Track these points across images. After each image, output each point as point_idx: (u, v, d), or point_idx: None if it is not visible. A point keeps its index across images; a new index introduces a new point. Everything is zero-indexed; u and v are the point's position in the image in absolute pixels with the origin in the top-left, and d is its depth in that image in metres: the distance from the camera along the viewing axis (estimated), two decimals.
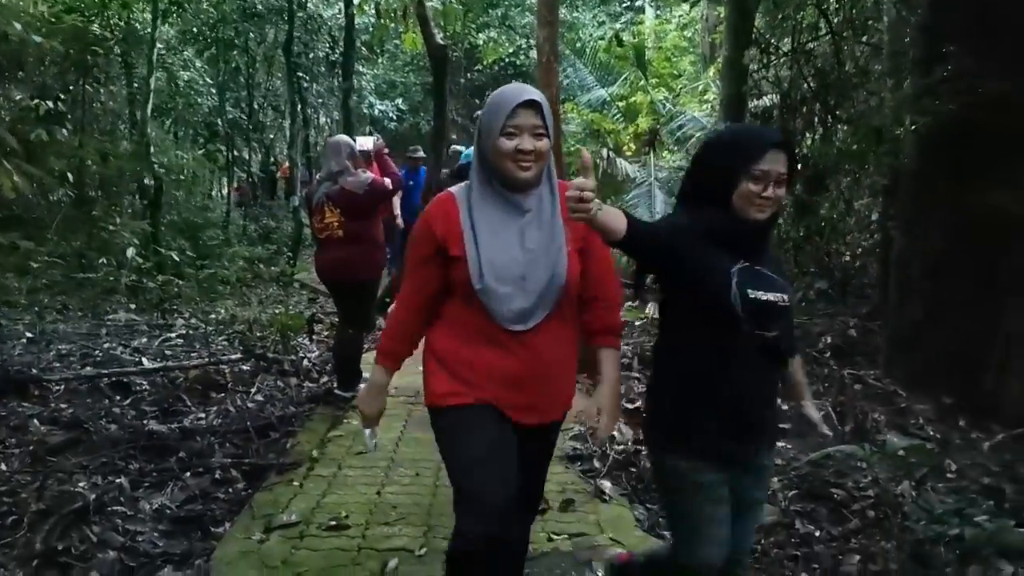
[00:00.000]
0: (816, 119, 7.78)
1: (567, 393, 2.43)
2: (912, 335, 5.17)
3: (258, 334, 7.22)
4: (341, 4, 10.95)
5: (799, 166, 7.66)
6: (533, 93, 2.12)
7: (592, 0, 17.93)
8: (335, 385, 5.64)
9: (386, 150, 7.93)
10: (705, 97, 10.39)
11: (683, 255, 2.13)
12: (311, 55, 15.17)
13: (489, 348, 2.21)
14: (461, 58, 16.64)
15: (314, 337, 7.53)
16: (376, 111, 19.21)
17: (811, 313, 7.57)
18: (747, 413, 2.25)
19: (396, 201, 9.47)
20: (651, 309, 8.38)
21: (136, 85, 12.73)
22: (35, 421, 4.61)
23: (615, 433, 4.65)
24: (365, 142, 5.93)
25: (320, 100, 17.54)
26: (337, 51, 13.19)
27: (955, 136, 4.64)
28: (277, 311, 7.98)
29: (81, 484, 3.86)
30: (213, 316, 8.47)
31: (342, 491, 3.94)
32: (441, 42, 7.48)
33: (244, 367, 6.30)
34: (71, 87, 11.79)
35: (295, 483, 4.03)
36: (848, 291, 7.83)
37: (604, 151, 10.44)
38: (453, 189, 2.28)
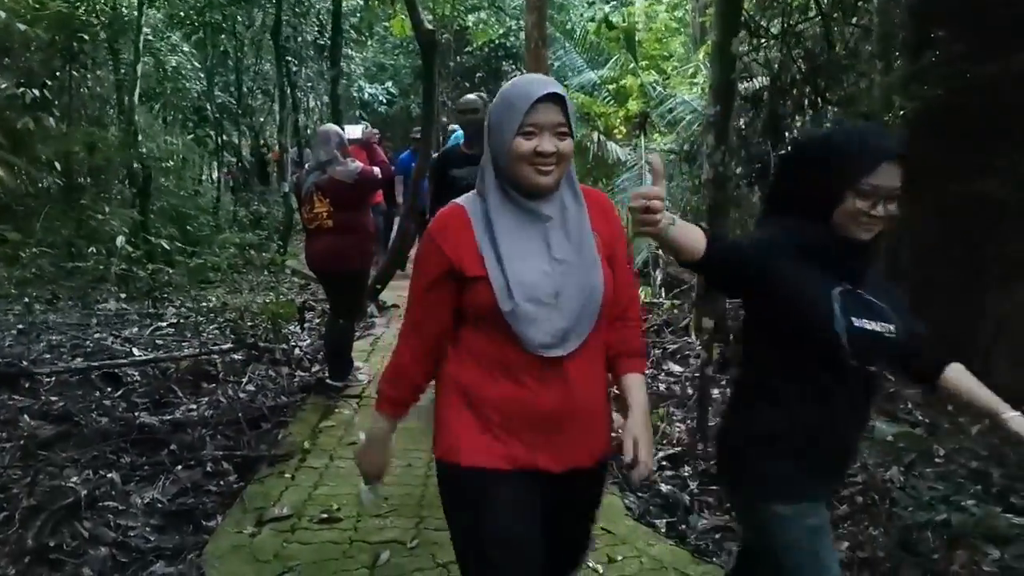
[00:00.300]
0: (806, 102, 7.75)
1: (605, 431, 2.07)
2: None
3: (249, 323, 7.19)
4: None
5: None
6: (554, 85, 1.82)
7: None
8: (327, 375, 5.64)
9: (376, 136, 7.91)
10: (695, 80, 10.35)
11: (777, 277, 1.86)
12: (299, 39, 15.06)
13: (517, 382, 1.86)
14: (450, 40, 16.52)
15: (305, 325, 7.52)
16: (366, 95, 19.11)
17: None
18: (847, 452, 2.04)
19: (399, 188, 9.46)
20: (643, 294, 8.39)
21: (123, 71, 12.62)
22: (26, 416, 4.59)
23: None
24: (354, 130, 5.92)
25: (309, 84, 17.43)
26: (326, 36, 13.08)
27: (943, 121, 4.63)
28: (268, 299, 7.96)
29: (73, 479, 3.86)
30: (204, 304, 8.44)
31: (334, 483, 3.96)
32: (430, 27, 7.42)
33: (236, 356, 6.30)
34: (57, 73, 11.68)
35: (287, 475, 4.04)
36: None
37: (594, 135, 10.41)
38: (460, 200, 1.94)
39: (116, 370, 5.72)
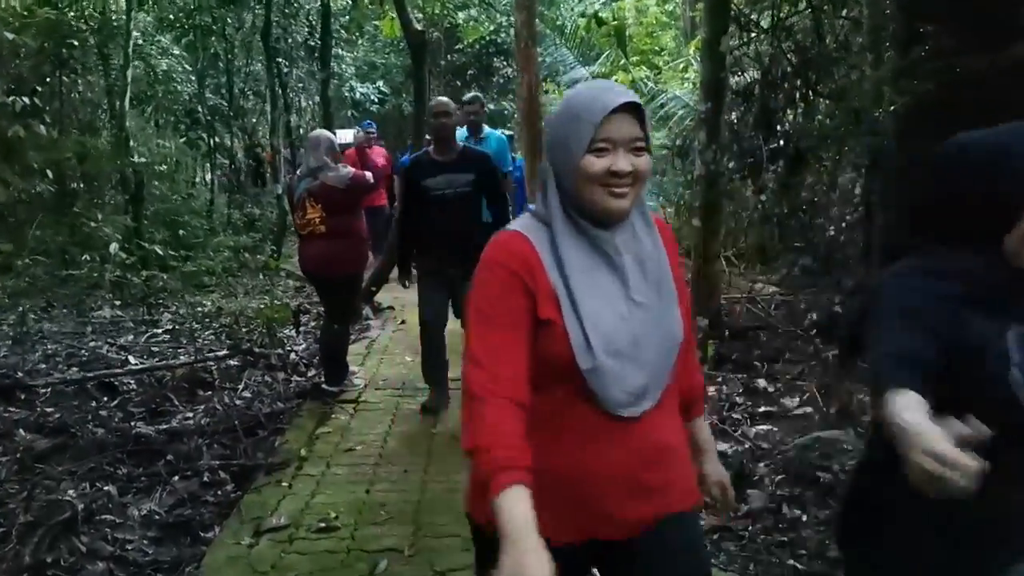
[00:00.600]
0: (797, 95, 7.75)
1: (687, 478, 1.73)
2: None
3: (244, 329, 7.18)
4: None
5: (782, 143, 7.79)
6: (630, 94, 1.56)
7: None
8: (323, 380, 5.64)
9: (374, 135, 7.89)
10: (686, 75, 10.33)
11: (938, 334, 1.42)
12: (290, 40, 15.00)
13: (583, 445, 1.57)
14: (441, 39, 16.48)
15: (301, 328, 7.52)
16: (358, 94, 19.05)
17: (795, 289, 7.61)
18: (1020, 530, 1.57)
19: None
20: None
21: (114, 75, 12.57)
22: (20, 430, 4.58)
23: None
24: (346, 135, 5.91)
25: (300, 84, 17.36)
26: (316, 36, 13.05)
27: (933, 116, 4.62)
28: (263, 303, 7.94)
29: (69, 492, 3.86)
30: (199, 310, 8.43)
31: (330, 491, 3.96)
32: (419, 27, 7.40)
33: (231, 362, 6.29)
34: (48, 79, 11.62)
35: (283, 484, 4.04)
36: (832, 264, 7.86)
37: None
38: (518, 226, 1.64)
39: (112, 379, 5.72)
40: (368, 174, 5.40)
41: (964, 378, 1.42)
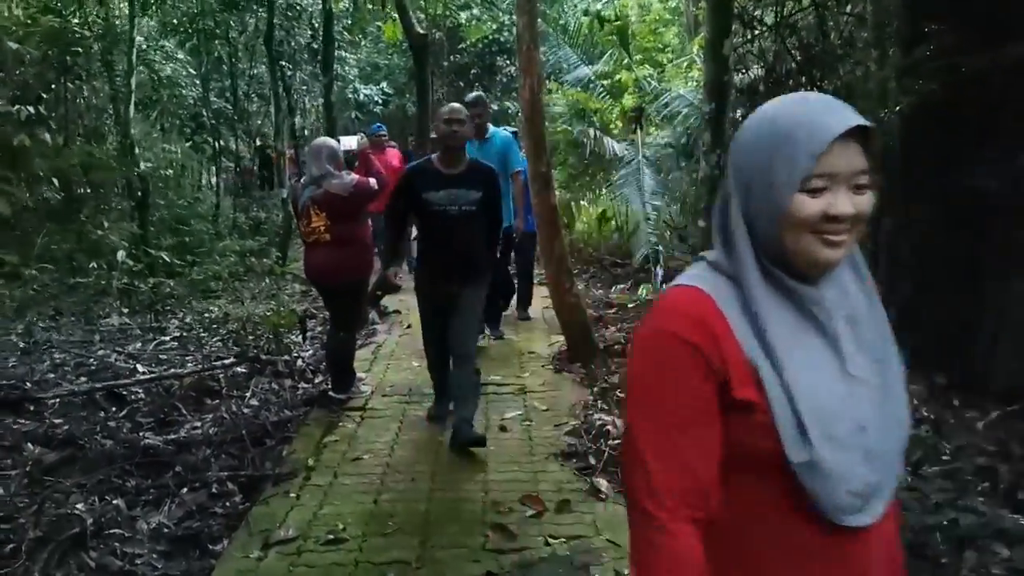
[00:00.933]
0: (803, 91, 7.70)
1: None
2: (902, 315, 5.15)
3: (250, 336, 7.19)
4: None
5: None
6: (856, 116, 1.20)
7: None
8: (329, 387, 5.64)
9: (384, 135, 7.85)
10: (690, 74, 10.30)
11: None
12: (293, 43, 15.01)
13: (790, 570, 1.22)
14: (443, 39, 16.47)
15: (307, 334, 7.52)
16: (361, 96, 19.05)
17: None
18: None
19: None
20: (644, 291, 8.38)
21: (118, 81, 12.60)
22: (29, 444, 4.58)
23: (609, 428, 4.68)
24: (350, 141, 5.90)
25: (304, 87, 17.38)
26: (319, 39, 13.05)
27: (938, 115, 4.61)
28: (270, 308, 7.95)
29: (79, 506, 3.86)
30: (207, 316, 8.44)
31: (338, 501, 3.95)
32: (421, 30, 7.39)
33: (239, 369, 6.30)
34: (52, 86, 11.66)
35: (291, 494, 4.04)
36: None
37: (591, 131, 10.38)
38: (693, 280, 1.25)
39: (120, 389, 5.73)
40: (372, 180, 5.39)
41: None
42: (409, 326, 7.78)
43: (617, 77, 10.73)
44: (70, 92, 12.27)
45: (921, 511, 3.50)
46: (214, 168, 17.95)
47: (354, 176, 5.27)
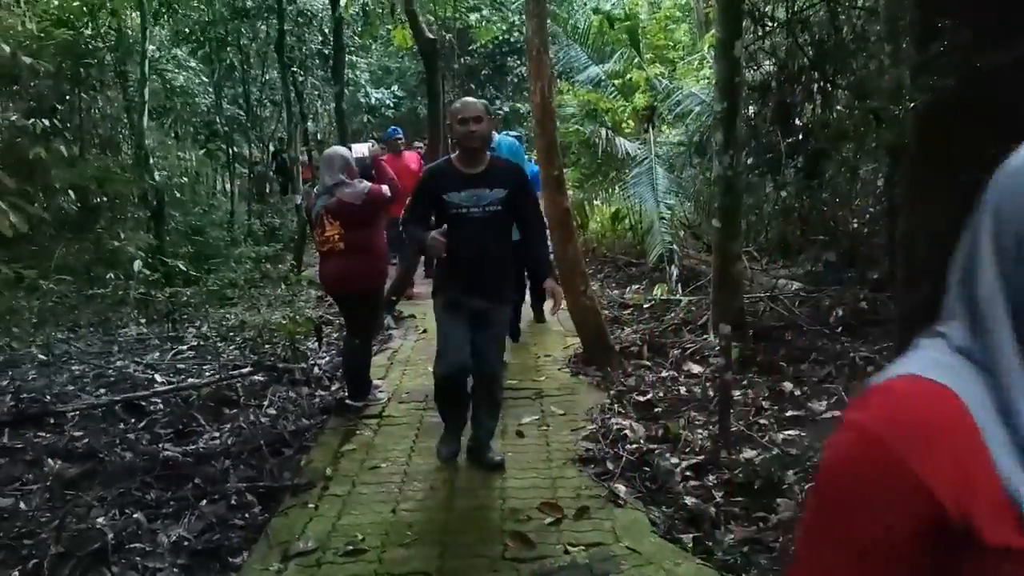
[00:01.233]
0: (815, 88, 7.66)
1: None
2: (921, 313, 5.10)
3: (267, 344, 7.22)
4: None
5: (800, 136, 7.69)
6: None
7: None
8: (346, 394, 5.65)
9: (400, 139, 7.81)
10: (702, 72, 10.25)
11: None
12: (304, 48, 15.08)
13: None
14: (453, 41, 16.47)
15: (323, 340, 7.53)
16: (373, 99, 19.10)
17: (820, 285, 7.53)
18: None
19: None
20: (659, 291, 8.35)
21: (132, 90, 12.69)
22: (50, 460, 4.62)
23: (626, 432, 4.66)
24: (361, 149, 5.91)
25: (316, 92, 17.45)
26: (330, 45, 13.10)
27: (953, 112, 4.55)
28: (286, 314, 7.96)
29: (100, 520, 3.89)
30: (223, 324, 8.49)
31: (357, 511, 3.95)
32: (431, 35, 7.39)
33: (256, 377, 6.33)
34: (67, 97, 11.77)
35: (310, 505, 4.04)
36: (857, 257, 7.78)
37: (603, 131, 10.35)
38: (932, 370, 0.85)
39: (139, 400, 5.77)
40: (385, 188, 5.40)
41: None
42: (425, 331, 7.78)
43: (628, 76, 10.69)
44: (84, 103, 12.38)
45: None
46: (228, 174, 18.09)
47: (367, 184, 5.28)
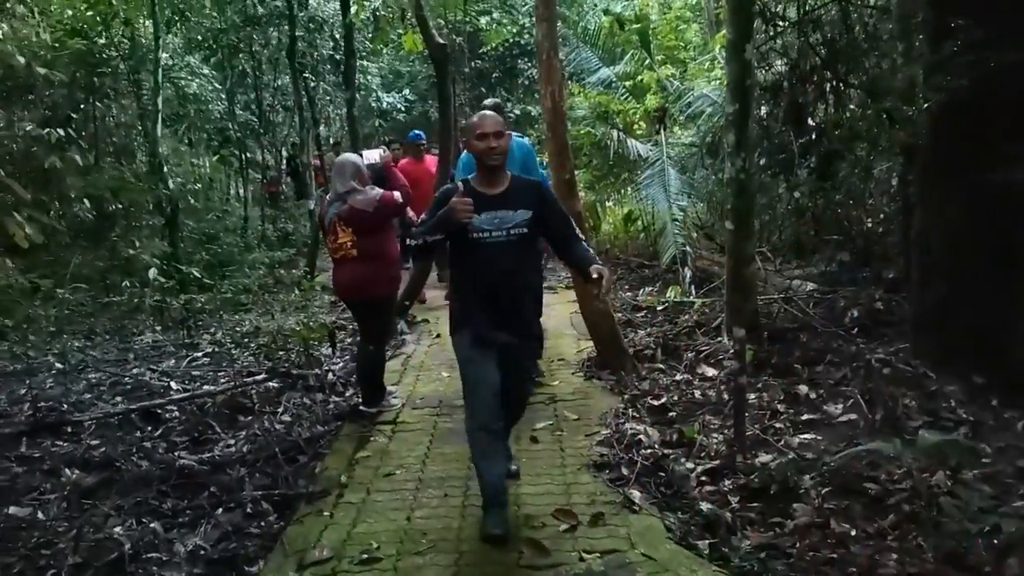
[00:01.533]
0: (828, 87, 7.62)
1: None
2: (937, 314, 5.08)
3: (280, 351, 7.25)
4: (338, 2, 10.88)
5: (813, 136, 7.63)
6: None
7: None
8: (360, 401, 5.66)
9: (423, 143, 7.78)
10: (713, 73, 10.21)
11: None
12: (316, 54, 15.15)
13: None
14: (464, 45, 16.49)
15: (337, 346, 7.55)
16: (384, 104, 19.16)
17: (834, 285, 7.48)
18: None
19: None
20: (673, 293, 8.32)
21: (145, 98, 12.79)
22: (67, 471, 4.64)
23: (641, 437, 4.64)
24: (372, 155, 5.93)
25: (328, 97, 17.53)
26: (341, 50, 13.16)
27: (966, 111, 4.53)
28: (300, 322, 7.99)
29: (116, 529, 3.91)
30: (238, 330, 8.52)
31: (372, 519, 3.95)
32: (441, 41, 7.40)
33: (271, 384, 6.35)
34: (81, 106, 11.88)
35: (325, 513, 4.05)
36: (872, 256, 7.73)
37: (614, 132, 10.33)
38: None
39: (154, 408, 5.81)
40: (397, 194, 5.41)
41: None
42: (438, 336, 7.80)
43: (639, 77, 10.67)
44: (98, 112, 12.50)
45: (961, 517, 3.43)
46: (241, 180, 18.21)
47: (378, 191, 5.29)
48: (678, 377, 5.92)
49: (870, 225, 8.16)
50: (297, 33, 12.76)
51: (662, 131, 10.54)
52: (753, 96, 5.57)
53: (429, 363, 6.86)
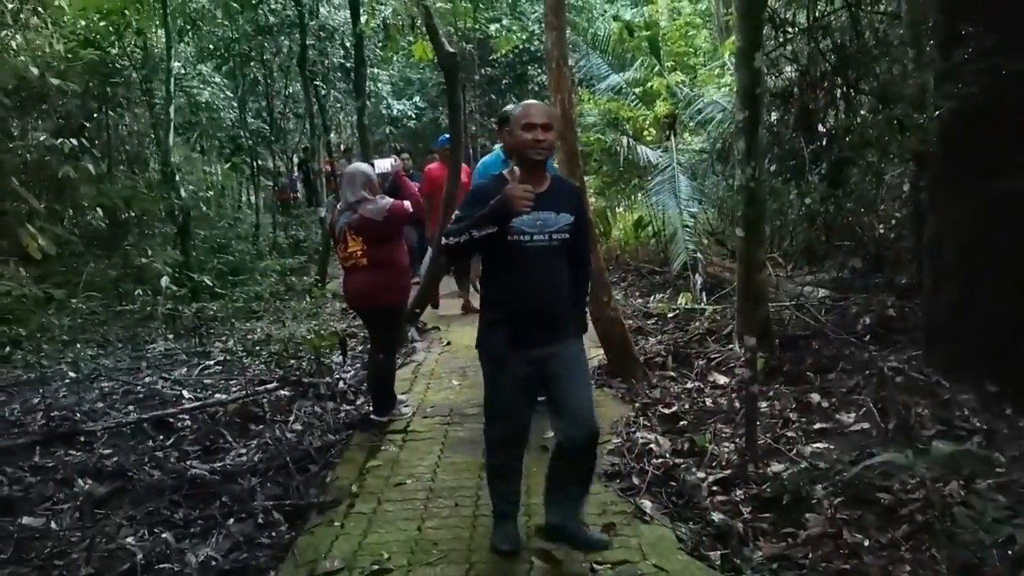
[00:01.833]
0: (838, 93, 7.60)
1: None
2: (949, 322, 5.05)
3: (292, 359, 7.27)
4: (349, 11, 10.93)
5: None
6: None
7: None
8: (371, 409, 5.67)
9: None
10: (723, 79, 10.20)
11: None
12: (326, 62, 15.22)
13: None
14: (474, 52, 16.52)
15: (348, 353, 7.56)
16: (395, 111, 19.21)
17: (847, 291, 7.45)
18: None
19: None
20: (684, 299, 8.30)
21: (158, 107, 12.89)
22: (79, 481, 4.67)
23: (652, 446, 4.63)
24: (383, 164, 5.95)
25: (339, 104, 17.60)
26: (351, 59, 13.23)
27: (978, 118, 4.51)
28: (311, 330, 8.02)
29: (129, 539, 3.93)
30: (249, 338, 8.56)
31: (383, 529, 3.96)
32: (451, 50, 7.42)
33: (282, 392, 6.37)
34: (94, 115, 11.97)
35: (336, 523, 4.05)
36: (884, 262, 7.69)
37: (624, 139, 10.32)
38: None
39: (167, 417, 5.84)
40: (407, 203, 5.42)
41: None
42: (448, 343, 7.81)
43: (649, 84, 10.67)
44: (111, 121, 12.59)
45: (975, 528, 3.40)
46: (253, 187, 18.30)
47: (389, 200, 5.31)
48: (689, 385, 5.90)
49: (882, 231, 8.13)
50: (308, 42, 12.82)
51: (672, 137, 10.52)
52: (763, 104, 5.55)
53: (440, 371, 6.87)
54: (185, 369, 7.48)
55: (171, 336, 8.97)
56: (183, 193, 11.03)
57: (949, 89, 4.46)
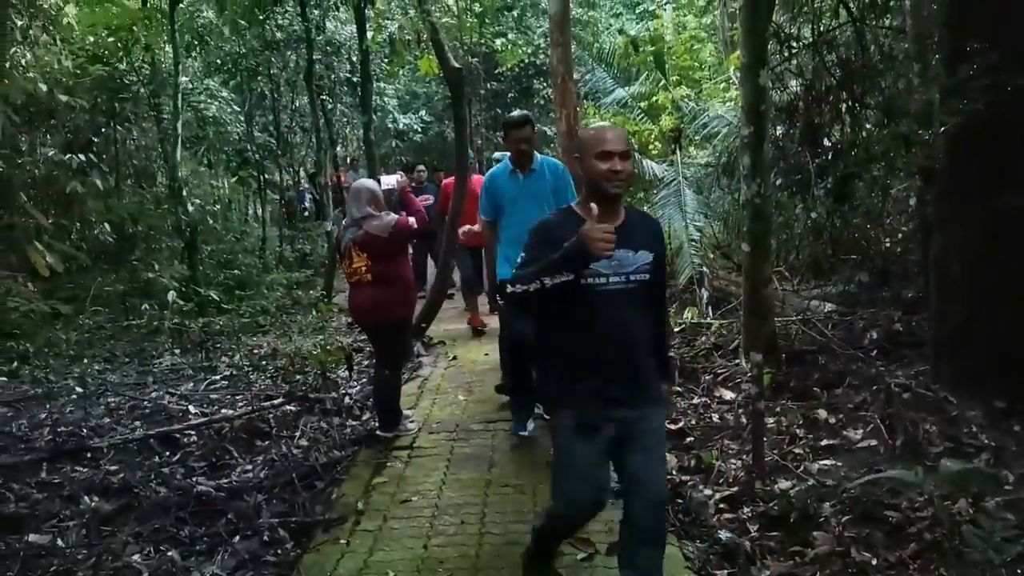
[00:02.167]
0: (843, 107, 7.59)
1: None
2: (956, 338, 5.03)
3: (298, 375, 7.27)
4: (355, 26, 11.02)
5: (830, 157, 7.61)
6: None
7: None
8: (377, 425, 5.67)
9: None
10: (728, 94, 10.22)
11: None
12: (333, 76, 15.33)
13: None
14: (479, 66, 16.62)
15: (354, 368, 7.57)
16: (401, 125, 19.32)
17: (853, 306, 7.43)
18: None
19: None
20: (690, 314, 8.29)
21: (165, 122, 12.98)
22: (86, 498, 4.67)
23: None
24: (389, 180, 5.98)
25: (345, 118, 17.70)
26: (357, 73, 13.31)
27: (983, 134, 4.51)
28: (317, 344, 8.02)
29: (135, 557, 3.93)
30: (256, 352, 8.57)
31: (389, 547, 3.95)
32: (457, 65, 7.45)
33: (288, 407, 6.37)
34: (102, 130, 12.05)
35: (342, 541, 4.04)
36: (891, 276, 7.67)
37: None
38: None
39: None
40: (412, 220, 5.44)
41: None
42: (454, 358, 7.80)
43: (654, 98, 10.69)
44: (119, 136, 12.67)
45: (983, 547, 3.37)
46: (259, 201, 18.40)
47: (393, 216, 5.33)
48: (695, 400, 5.89)
49: (888, 245, 8.11)
50: (315, 56, 12.92)
51: (677, 151, 10.53)
52: (768, 119, 5.56)
53: (446, 386, 6.86)
54: (191, 384, 7.49)
55: (178, 351, 8.99)
56: (190, 207, 11.09)
57: (954, 104, 4.46)
